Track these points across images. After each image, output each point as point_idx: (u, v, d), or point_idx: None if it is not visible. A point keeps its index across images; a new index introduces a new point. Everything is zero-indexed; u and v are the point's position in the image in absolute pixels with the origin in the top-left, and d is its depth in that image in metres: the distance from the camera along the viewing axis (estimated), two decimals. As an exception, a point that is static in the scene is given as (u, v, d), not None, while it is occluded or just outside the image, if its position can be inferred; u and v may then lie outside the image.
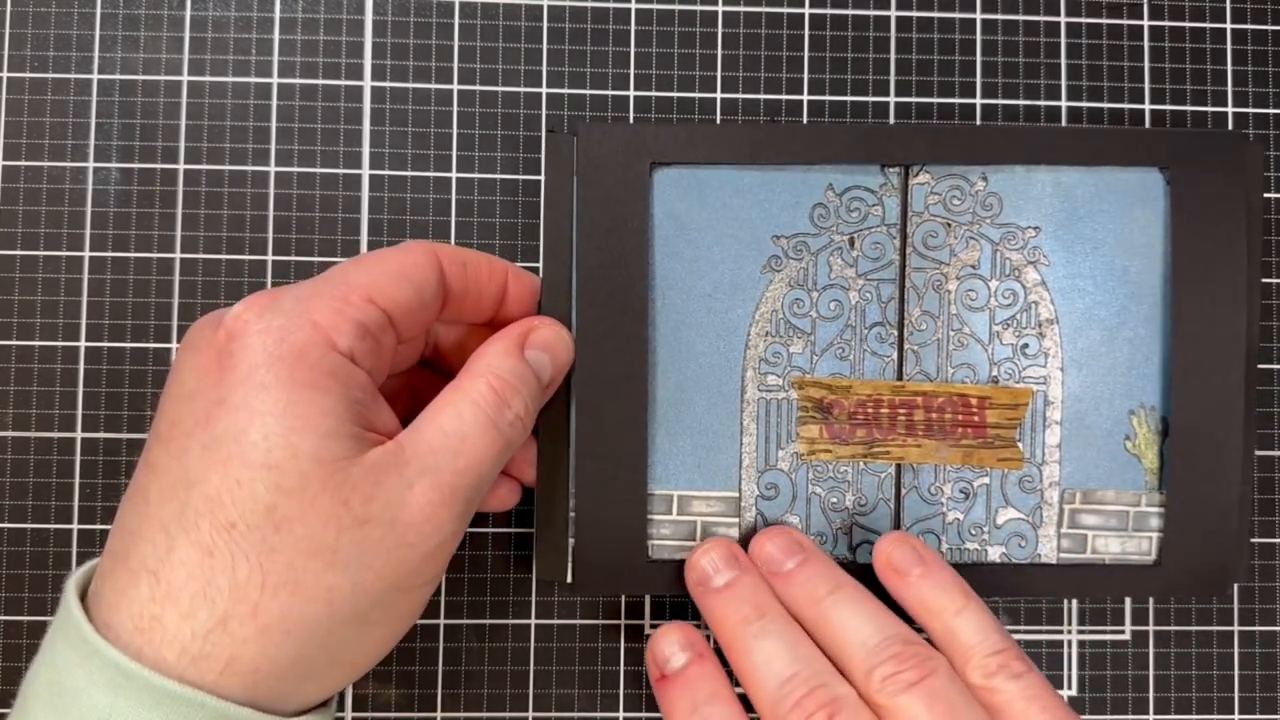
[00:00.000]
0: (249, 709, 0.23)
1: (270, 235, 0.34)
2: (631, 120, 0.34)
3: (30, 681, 0.24)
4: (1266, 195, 0.35)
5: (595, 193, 0.32)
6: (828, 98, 0.35)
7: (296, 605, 0.24)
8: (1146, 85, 0.35)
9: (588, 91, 0.34)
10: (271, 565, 0.23)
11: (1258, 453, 0.35)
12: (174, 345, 0.34)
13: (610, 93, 0.34)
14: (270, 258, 0.34)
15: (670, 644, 0.30)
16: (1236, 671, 0.35)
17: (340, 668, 0.26)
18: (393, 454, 0.25)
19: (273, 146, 0.34)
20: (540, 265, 0.32)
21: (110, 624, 0.23)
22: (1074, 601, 0.34)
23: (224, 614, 0.23)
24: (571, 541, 0.32)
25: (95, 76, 0.34)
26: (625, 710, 0.34)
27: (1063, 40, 0.35)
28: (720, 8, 0.35)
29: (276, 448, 0.24)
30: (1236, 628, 0.35)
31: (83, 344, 0.33)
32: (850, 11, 0.35)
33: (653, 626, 0.34)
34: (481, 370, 0.27)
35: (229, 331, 0.25)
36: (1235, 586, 0.35)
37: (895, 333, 0.33)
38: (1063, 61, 0.35)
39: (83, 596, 0.25)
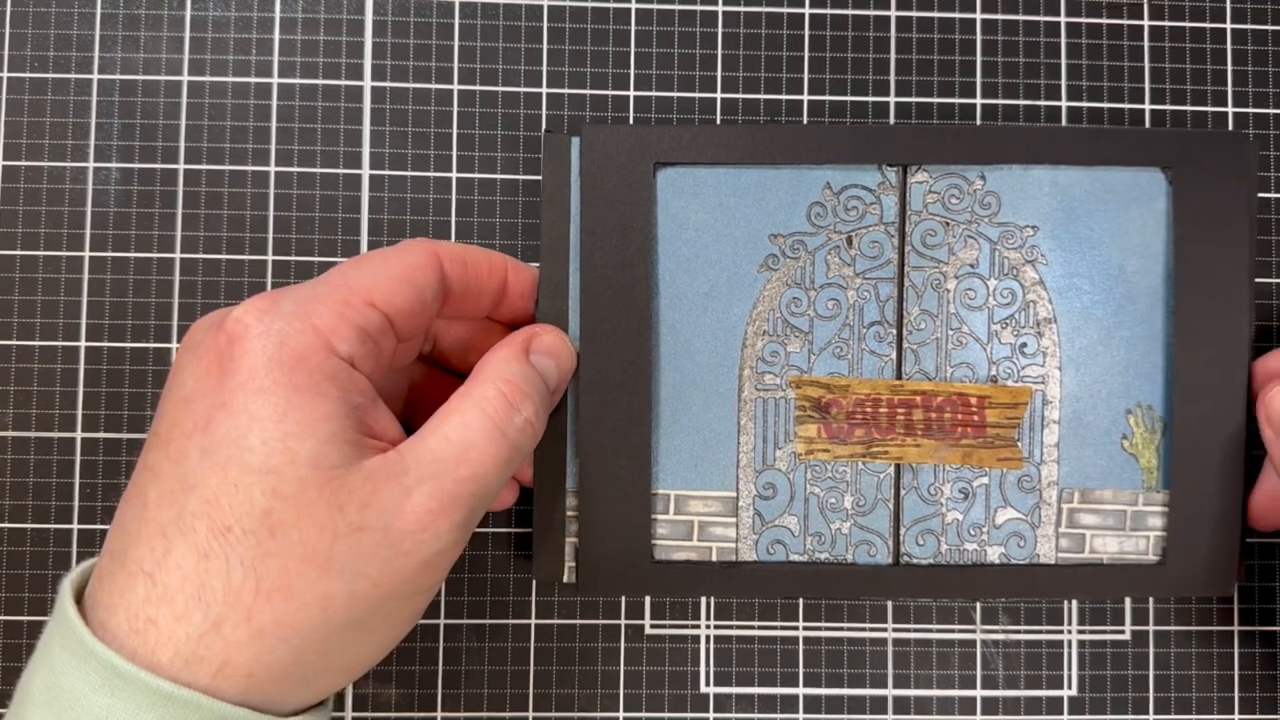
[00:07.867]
0: (244, 709, 0.23)
1: (270, 235, 0.34)
2: (632, 120, 0.34)
3: (26, 683, 0.24)
4: (1266, 195, 0.35)
5: (599, 194, 0.32)
6: (828, 98, 0.35)
7: (290, 611, 0.24)
8: (1146, 85, 0.35)
9: (588, 91, 0.34)
10: (265, 570, 0.23)
11: (1257, 453, 0.34)
12: (174, 345, 0.34)
13: (610, 93, 0.34)
14: (270, 258, 0.34)
15: None
16: (1236, 671, 0.34)
17: (336, 672, 0.26)
18: (392, 461, 0.25)
19: (273, 146, 0.34)
20: (539, 265, 0.32)
21: (106, 625, 0.23)
22: (1074, 601, 0.34)
23: (218, 617, 0.23)
24: (576, 542, 0.32)
25: (95, 76, 0.34)
26: (625, 710, 0.34)
27: (1063, 40, 0.35)
28: (720, 8, 0.35)
29: (274, 453, 0.24)
30: (1236, 628, 0.35)
31: (83, 344, 0.33)
32: (850, 11, 0.35)
33: (653, 626, 0.34)
34: (490, 376, 0.27)
35: (229, 335, 0.25)
36: (1235, 586, 0.35)
37: (894, 332, 0.33)
38: (1063, 61, 0.35)
39: (79, 596, 0.25)
